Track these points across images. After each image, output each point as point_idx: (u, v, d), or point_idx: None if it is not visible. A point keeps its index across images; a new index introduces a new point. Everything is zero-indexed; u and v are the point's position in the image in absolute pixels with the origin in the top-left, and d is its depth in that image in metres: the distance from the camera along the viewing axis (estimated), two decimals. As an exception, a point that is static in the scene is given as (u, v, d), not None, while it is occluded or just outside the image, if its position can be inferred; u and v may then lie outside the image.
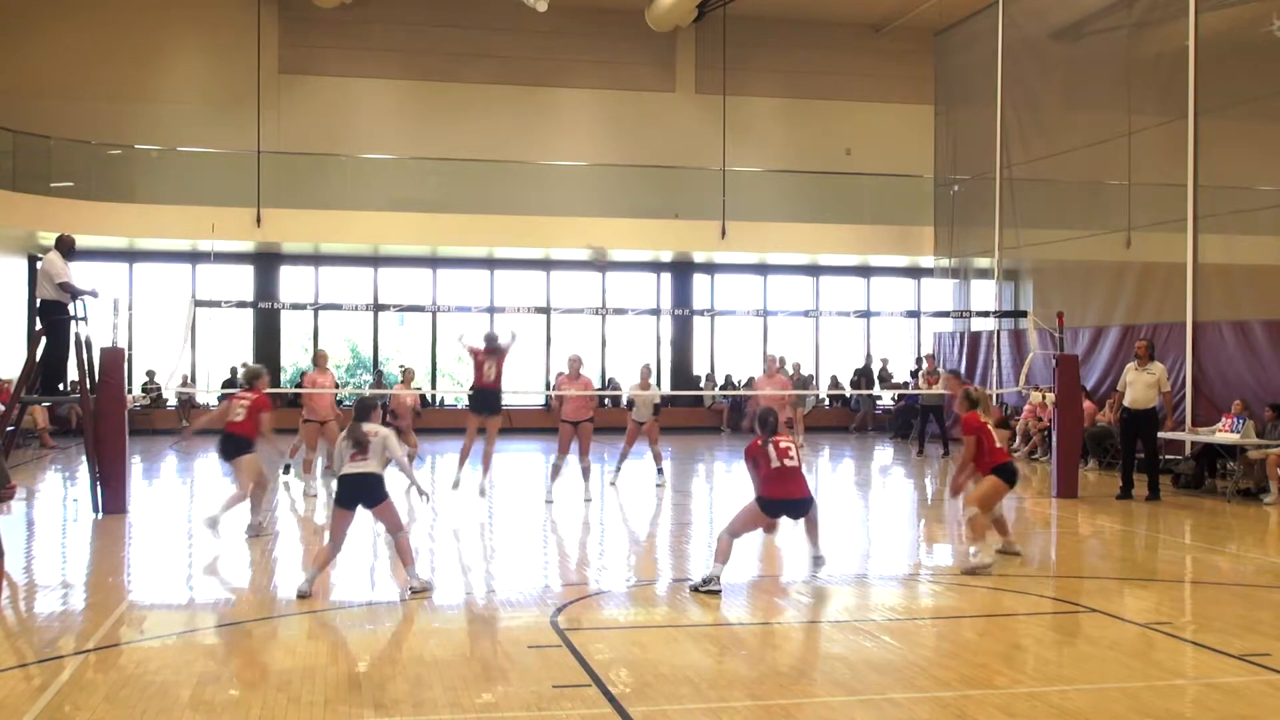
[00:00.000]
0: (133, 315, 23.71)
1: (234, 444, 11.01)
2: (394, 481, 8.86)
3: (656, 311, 27.21)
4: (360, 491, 8.44)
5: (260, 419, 11.08)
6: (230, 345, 25.74)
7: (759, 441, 8.74)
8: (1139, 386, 14.43)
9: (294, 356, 27.06)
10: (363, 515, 8.58)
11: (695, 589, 8.57)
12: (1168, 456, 15.85)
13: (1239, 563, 10.43)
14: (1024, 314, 18.61)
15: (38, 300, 12.90)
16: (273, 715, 5.73)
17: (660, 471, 15.52)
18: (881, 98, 27.29)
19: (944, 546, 11.57)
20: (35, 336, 13.04)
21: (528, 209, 24.52)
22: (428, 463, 18.42)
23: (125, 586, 9.18)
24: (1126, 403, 14.67)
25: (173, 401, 24.58)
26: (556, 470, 14.28)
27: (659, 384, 24.94)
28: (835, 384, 27.20)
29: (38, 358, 12.72)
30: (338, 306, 23.94)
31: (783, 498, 8.66)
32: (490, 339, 13.75)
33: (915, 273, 28.05)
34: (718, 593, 8.45)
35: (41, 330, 12.76)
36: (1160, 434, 14.83)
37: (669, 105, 26.83)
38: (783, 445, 8.69)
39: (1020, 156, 22.01)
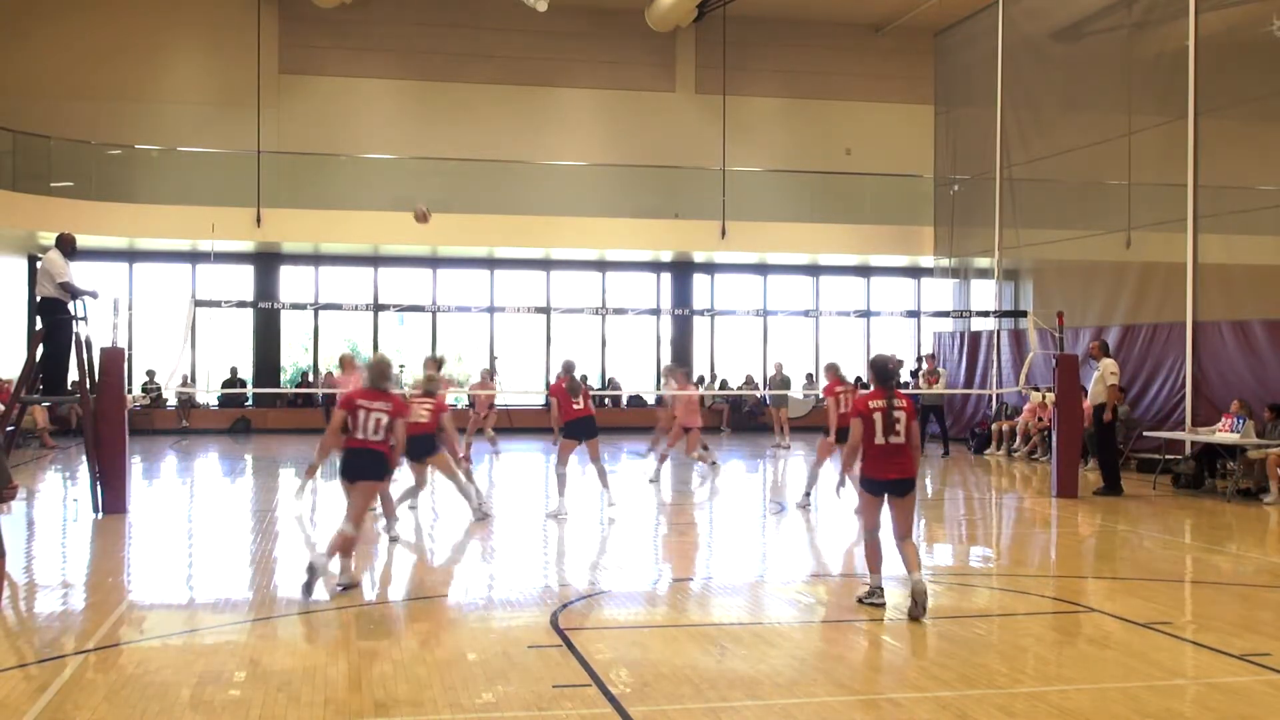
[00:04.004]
0: (133, 315, 23.72)
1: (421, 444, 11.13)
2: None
3: (656, 311, 27.21)
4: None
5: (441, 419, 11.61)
6: (230, 345, 25.77)
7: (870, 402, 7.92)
8: (1092, 384, 15.33)
9: (294, 356, 27.07)
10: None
11: (861, 600, 8.18)
12: (1168, 456, 15.89)
13: (1239, 563, 10.43)
14: (1024, 314, 18.60)
15: (38, 298, 12.88)
16: (273, 715, 5.73)
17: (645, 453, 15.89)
18: (881, 98, 27.29)
19: (944, 546, 11.57)
20: (35, 336, 13.03)
21: (528, 209, 24.53)
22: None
23: (125, 586, 9.18)
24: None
25: (173, 401, 24.59)
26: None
27: (658, 383, 24.90)
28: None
29: (38, 357, 12.72)
30: (338, 306, 23.94)
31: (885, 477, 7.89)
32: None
33: (915, 272, 28.05)
34: (881, 605, 8.01)
35: (42, 329, 12.75)
36: (1160, 433, 14.90)
37: (669, 105, 26.82)
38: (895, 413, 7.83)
39: (1020, 156, 22.01)
